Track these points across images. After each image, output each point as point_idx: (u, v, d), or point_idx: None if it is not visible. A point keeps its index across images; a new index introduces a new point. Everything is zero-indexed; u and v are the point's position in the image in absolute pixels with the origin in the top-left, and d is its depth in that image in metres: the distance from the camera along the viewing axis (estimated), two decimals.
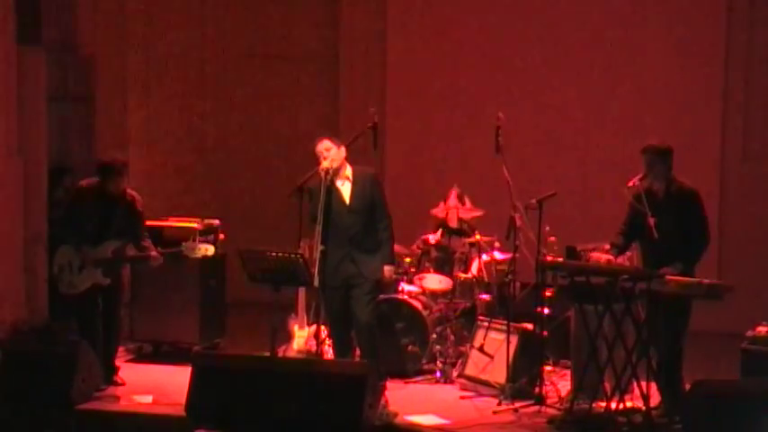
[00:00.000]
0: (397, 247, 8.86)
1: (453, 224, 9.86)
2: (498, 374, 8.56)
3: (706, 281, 7.64)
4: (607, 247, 8.10)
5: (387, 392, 8.09)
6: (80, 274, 8.65)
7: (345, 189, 8.28)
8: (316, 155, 8.22)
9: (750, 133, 11.25)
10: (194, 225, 9.75)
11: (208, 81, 12.63)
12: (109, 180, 8.62)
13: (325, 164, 8.15)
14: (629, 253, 8.22)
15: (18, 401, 8.07)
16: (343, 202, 8.25)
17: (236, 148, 12.70)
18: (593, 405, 7.85)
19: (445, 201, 9.94)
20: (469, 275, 9.56)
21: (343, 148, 8.27)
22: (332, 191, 8.18)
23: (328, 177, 8.13)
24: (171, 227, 9.39)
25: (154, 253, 8.72)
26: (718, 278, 8.76)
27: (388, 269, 8.32)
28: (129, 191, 8.76)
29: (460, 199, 9.88)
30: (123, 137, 12.39)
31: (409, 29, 12.06)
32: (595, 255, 8.07)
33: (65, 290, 8.74)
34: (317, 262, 8.02)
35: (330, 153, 8.19)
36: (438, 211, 9.95)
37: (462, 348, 9.21)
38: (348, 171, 8.31)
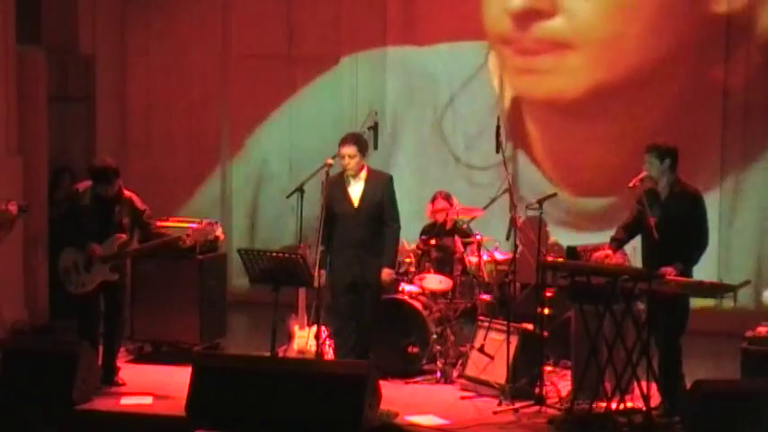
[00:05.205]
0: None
1: (448, 226, 9.83)
2: (498, 375, 8.55)
3: (707, 281, 7.64)
4: (607, 247, 8.11)
5: (381, 390, 8.10)
6: (88, 273, 8.62)
7: (356, 191, 8.29)
8: (339, 153, 8.23)
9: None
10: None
11: (209, 81, 12.61)
12: (101, 184, 8.60)
13: (330, 161, 8.14)
14: (627, 249, 8.23)
15: (18, 402, 8.07)
16: (352, 204, 8.26)
17: (235, 148, 12.67)
18: (594, 405, 7.84)
19: (432, 202, 9.92)
20: (469, 276, 9.54)
21: (365, 159, 8.28)
22: (342, 192, 8.20)
23: (329, 172, 8.12)
24: (172, 228, 9.36)
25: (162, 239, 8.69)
26: (719, 278, 8.76)
27: (386, 272, 8.36)
28: (125, 192, 8.74)
29: (448, 200, 9.86)
30: (123, 137, 12.41)
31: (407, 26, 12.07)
32: (597, 254, 8.09)
33: (74, 290, 8.69)
34: (317, 262, 8.04)
35: (352, 161, 8.20)
36: (433, 214, 9.90)
37: (462, 349, 9.20)
38: (363, 173, 8.31)
